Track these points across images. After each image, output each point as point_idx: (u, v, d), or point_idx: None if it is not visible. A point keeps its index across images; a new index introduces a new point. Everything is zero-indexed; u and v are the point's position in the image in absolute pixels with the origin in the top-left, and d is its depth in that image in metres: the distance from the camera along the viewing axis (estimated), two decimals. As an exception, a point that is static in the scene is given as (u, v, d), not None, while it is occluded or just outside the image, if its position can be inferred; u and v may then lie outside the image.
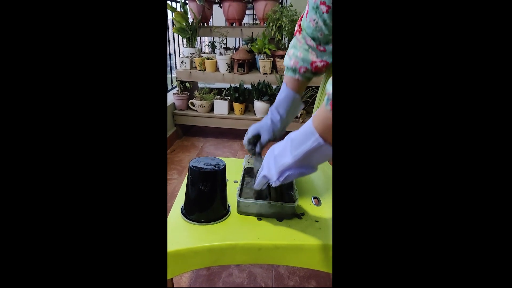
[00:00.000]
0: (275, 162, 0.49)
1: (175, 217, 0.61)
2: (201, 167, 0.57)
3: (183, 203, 0.63)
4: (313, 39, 0.59)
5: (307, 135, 0.43)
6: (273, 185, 0.50)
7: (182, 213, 0.62)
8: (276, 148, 0.50)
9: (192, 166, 0.58)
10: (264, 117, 0.68)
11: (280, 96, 0.66)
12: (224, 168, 0.59)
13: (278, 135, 0.67)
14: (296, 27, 0.62)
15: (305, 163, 0.46)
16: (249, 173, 0.74)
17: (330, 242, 0.55)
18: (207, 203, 0.59)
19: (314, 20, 0.55)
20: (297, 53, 0.63)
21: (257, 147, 0.69)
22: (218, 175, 0.58)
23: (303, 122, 1.83)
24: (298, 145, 0.44)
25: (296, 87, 0.65)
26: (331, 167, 0.75)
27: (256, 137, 0.69)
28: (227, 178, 0.64)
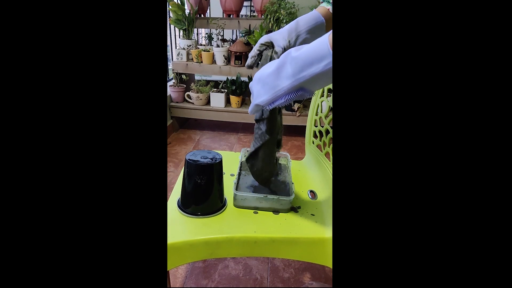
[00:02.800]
0: (270, 85, 0.43)
1: (171, 210, 0.61)
2: (197, 160, 0.57)
3: (179, 196, 0.63)
4: None
5: (320, 55, 0.37)
6: (267, 108, 0.46)
7: (179, 206, 0.62)
8: (269, 68, 0.44)
9: (189, 159, 0.58)
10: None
11: (304, 15, 0.58)
12: (221, 161, 0.59)
13: (293, 44, 0.57)
14: None
15: (308, 86, 0.41)
16: (245, 166, 0.74)
17: (326, 235, 0.55)
18: (203, 196, 0.59)
19: None
20: None
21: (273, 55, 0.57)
22: (214, 168, 0.58)
23: (300, 116, 1.82)
24: (306, 65, 0.39)
25: (324, 14, 0.58)
26: (327, 161, 0.76)
27: (267, 46, 0.58)
28: (223, 171, 0.64)
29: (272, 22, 1.69)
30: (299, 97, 0.43)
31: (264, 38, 0.59)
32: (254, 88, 0.48)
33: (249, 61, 0.59)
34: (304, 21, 0.57)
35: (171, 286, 0.89)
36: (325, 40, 0.37)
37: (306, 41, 0.58)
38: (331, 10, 0.58)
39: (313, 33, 0.58)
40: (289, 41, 0.56)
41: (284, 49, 0.56)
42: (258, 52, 0.58)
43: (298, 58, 0.39)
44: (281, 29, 0.58)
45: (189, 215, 0.59)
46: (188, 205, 0.60)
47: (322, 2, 0.60)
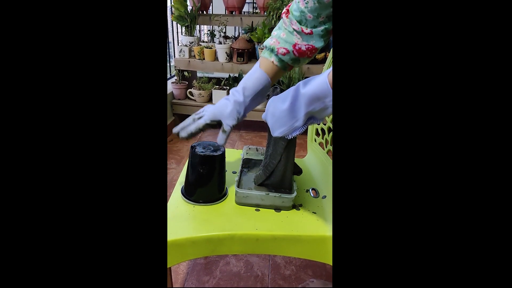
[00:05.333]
0: (285, 121, 0.48)
1: (173, 207, 0.61)
2: (201, 151, 0.60)
3: (183, 185, 0.65)
4: (299, 22, 0.56)
5: (323, 94, 0.42)
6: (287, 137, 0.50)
7: (182, 194, 0.64)
8: (282, 104, 0.48)
9: (193, 149, 0.61)
10: (222, 99, 0.60)
11: (250, 76, 0.59)
12: (223, 154, 0.62)
13: (241, 120, 0.60)
14: (284, 9, 0.58)
15: (317, 115, 0.46)
16: (247, 163, 0.74)
17: (327, 233, 0.55)
18: (205, 184, 0.61)
19: (305, 0, 0.53)
20: (281, 33, 0.58)
21: (220, 137, 0.60)
22: (216, 160, 0.60)
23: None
24: (313, 101, 0.44)
25: (270, 71, 0.59)
26: (329, 159, 0.76)
27: (214, 124, 0.60)
28: (225, 169, 0.64)
29: (274, 19, 1.68)
30: (310, 124, 0.48)
31: (210, 117, 0.59)
32: (269, 121, 0.52)
33: (184, 134, 0.60)
34: (251, 90, 0.58)
35: (173, 282, 0.89)
36: (325, 80, 0.42)
37: (253, 105, 0.60)
38: (275, 62, 0.59)
39: (261, 95, 0.59)
40: (237, 118, 0.58)
41: (232, 127, 0.59)
42: (200, 129, 0.59)
43: (306, 95, 0.44)
44: (226, 102, 0.58)
45: (192, 202, 0.61)
46: (192, 193, 0.62)
47: (263, 49, 0.60)
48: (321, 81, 0.43)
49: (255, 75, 0.59)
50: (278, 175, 0.61)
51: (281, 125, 0.49)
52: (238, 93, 0.58)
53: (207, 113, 0.60)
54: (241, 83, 0.59)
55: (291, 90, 0.47)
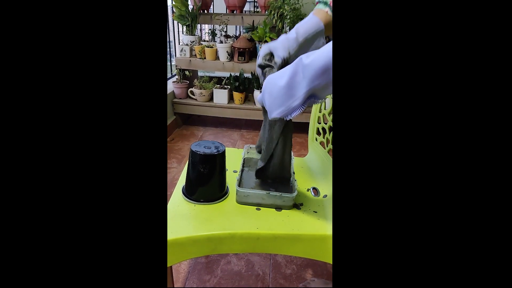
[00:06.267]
0: (284, 99, 0.44)
1: (174, 206, 0.61)
2: (201, 151, 0.60)
3: (184, 184, 0.65)
4: None
5: (331, 64, 0.38)
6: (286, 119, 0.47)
7: (183, 193, 0.64)
8: (279, 80, 0.44)
9: (193, 149, 0.60)
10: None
11: (303, 21, 0.59)
12: (224, 152, 0.62)
13: (293, 56, 0.57)
14: None
15: (319, 93, 0.42)
16: (248, 162, 0.74)
17: (328, 232, 0.55)
18: (206, 183, 0.61)
19: None
20: None
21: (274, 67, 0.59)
22: (217, 158, 0.60)
23: (303, 112, 1.82)
24: (319, 74, 0.40)
25: (323, 18, 0.58)
26: (330, 158, 0.75)
27: (269, 57, 0.59)
28: (226, 168, 0.64)
29: (276, 18, 1.68)
30: (310, 104, 0.43)
31: (264, 49, 0.58)
32: (266, 102, 0.48)
33: (259, 71, 0.58)
34: (303, 29, 0.57)
35: (174, 281, 0.89)
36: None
37: (305, 50, 0.58)
38: (329, 13, 0.58)
39: (313, 40, 0.58)
40: (289, 52, 0.56)
41: (284, 60, 0.56)
42: (265, 60, 0.58)
43: (310, 67, 0.40)
44: (280, 37, 0.57)
45: (193, 202, 0.62)
46: (192, 192, 0.62)
47: (318, 3, 0.60)
48: (330, 49, 0.38)
49: (308, 18, 0.58)
50: (276, 162, 0.60)
51: (279, 105, 0.45)
52: (290, 32, 0.57)
53: (262, 50, 0.59)
54: (295, 26, 0.58)
55: (290, 65, 0.44)
